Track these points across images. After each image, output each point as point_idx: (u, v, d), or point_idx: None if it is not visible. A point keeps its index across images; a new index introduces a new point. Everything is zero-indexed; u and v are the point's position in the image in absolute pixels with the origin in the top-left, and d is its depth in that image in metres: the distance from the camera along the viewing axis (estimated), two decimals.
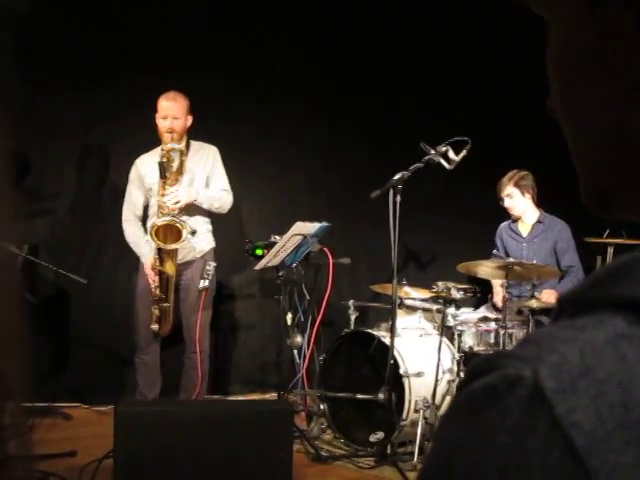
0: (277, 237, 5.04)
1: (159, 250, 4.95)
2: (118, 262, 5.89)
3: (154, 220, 4.93)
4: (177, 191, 4.93)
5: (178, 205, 4.92)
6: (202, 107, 5.76)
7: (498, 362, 0.46)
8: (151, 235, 4.88)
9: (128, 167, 5.25)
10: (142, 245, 5.06)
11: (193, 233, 4.91)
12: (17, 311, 0.47)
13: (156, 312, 5.07)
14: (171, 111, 5.02)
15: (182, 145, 4.99)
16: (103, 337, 5.96)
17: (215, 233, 5.42)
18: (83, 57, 5.78)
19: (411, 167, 4.73)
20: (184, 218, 5.00)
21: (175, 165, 4.99)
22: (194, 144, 5.21)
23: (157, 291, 5.03)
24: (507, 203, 5.74)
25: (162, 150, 4.96)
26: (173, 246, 4.89)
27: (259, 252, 5.09)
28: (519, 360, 0.45)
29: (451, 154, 4.78)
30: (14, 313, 0.47)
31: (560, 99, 0.61)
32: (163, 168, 4.92)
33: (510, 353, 0.47)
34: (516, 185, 5.67)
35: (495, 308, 5.49)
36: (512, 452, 0.42)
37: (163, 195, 4.92)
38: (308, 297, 5.53)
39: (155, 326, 5.10)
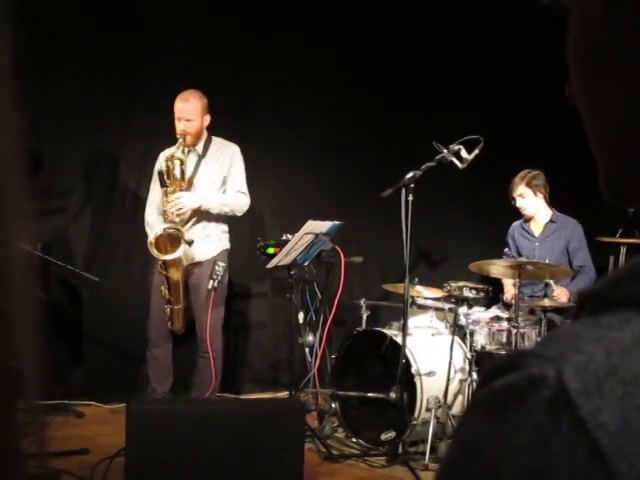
0: (289, 236, 5.03)
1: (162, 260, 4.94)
2: (130, 260, 5.90)
3: (154, 231, 4.91)
4: (180, 198, 4.92)
5: (181, 212, 4.91)
6: (215, 106, 5.77)
7: (521, 361, 0.45)
8: (150, 248, 4.85)
9: (140, 166, 5.27)
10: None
11: (190, 243, 4.90)
12: (33, 310, 0.47)
13: (168, 312, 5.09)
14: (183, 113, 4.99)
15: (182, 154, 4.94)
16: (115, 335, 5.97)
17: (229, 232, 5.42)
18: (97, 56, 5.78)
19: (423, 166, 4.73)
20: (200, 225, 5.03)
21: (177, 173, 4.97)
22: (215, 141, 5.18)
23: (167, 294, 5.04)
24: (519, 203, 5.72)
25: (163, 157, 4.95)
26: (170, 257, 4.87)
27: (271, 251, 5.08)
28: (542, 359, 0.44)
29: (463, 153, 4.78)
30: (30, 312, 0.47)
31: (580, 86, 0.60)
32: (162, 177, 4.91)
33: (533, 352, 0.46)
34: (528, 185, 5.65)
35: (507, 307, 5.47)
36: (535, 454, 0.41)
37: (167, 202, 4.91)
38: (320, 296, 5.53)
39: (169, 324, 5.12)
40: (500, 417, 0.44)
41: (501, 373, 0.45)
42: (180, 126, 4.97)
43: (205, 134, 5.14)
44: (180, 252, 4.86)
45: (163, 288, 5.03)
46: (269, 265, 5.02)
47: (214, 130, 5.35)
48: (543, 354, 0.45)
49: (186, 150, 4.97)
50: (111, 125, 5.92)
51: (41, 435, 0.47)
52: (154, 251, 4.84)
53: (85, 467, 4.06)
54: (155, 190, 5.19)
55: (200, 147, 5.12)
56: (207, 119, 5.10)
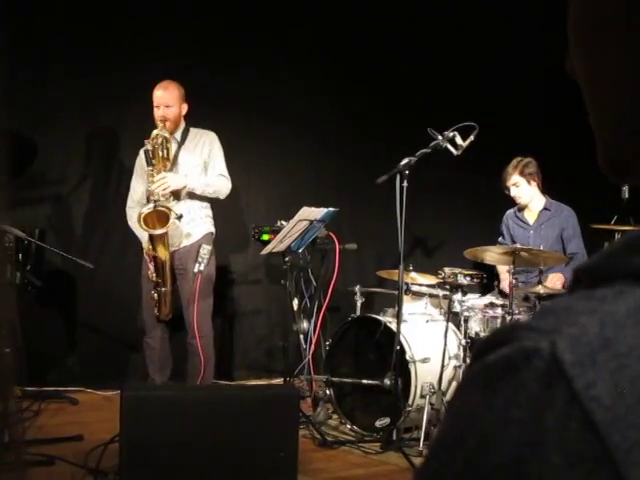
0: (283, 222, 5.03)
1: (150, 236, 4.96)
2: (125, 247, 5.88)
3: (141, 209, 4.94)
4: (165, 178, 4.94)
5: (166, 191, 4.94)
6: (208, 93, 5.78)
7: (514, 334, 0.45)
8: (139, 223, 4.89)
9: (134, 152, 5.26)
10: (142, 230, 5.07)
11: (179, 218, 4.92)
12: (7, 297, 0.46)
13: (155, 296, 5.09)
14: (162, 100, 5.07)
15: (165, 132, 5.00)
16: (109, 322, 5.97)
17: (222, 218, 5.43)
18: (90, 41, 5.77)
19: (418, 152, 4.72)
20: (181, 203, 5.04)
21: (162, 153, 5.01)
22: (192, 131, 5.23)
23: (154, 276, 5.04)
24: (513, 192, 5.71)
25: (148, 138, 4.98)
26: (159, 231, 4.90)
27: (265, 237, 5.09)
28: (536, 332, 0.44)
29: (458, 139, 4.77)
30: (7, 297, 0.46)
31: (580, 57, 0.59)
32: (149, 156, 4.96)
33: (526, 324, 0.45)
34: (521, 174, 5.64)
35: (501, 294, 5.48)
36: (528, 427, 0.41)
37: (152, 182, 4.94)
38: (314, 282, 5.52)
39: (155, 310, 5.12)
40: (493, 390, 0.43)
41: (494, 347, 0.45)
42: (159, 112, 5.05)
43: (183, 123, 5.22)
44: (170, 226, 4.87)
45: (150, 272, 5.04)
46: (263, 251, 5.02)
47: (207, 117, 5.35)
48: (536, 327, 0.44)
49: (160, 132, 5.00)
50: (105, 111, 5.91)
51: (15, 424, 0.46)
52: (144, 226, 4.86)
53: (79, 453, 4.07)
54: (137, 185, 5.25)
55: (178, 135, 5.18)
56: (185, 107, 5.18)
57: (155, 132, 4.98)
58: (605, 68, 0.57)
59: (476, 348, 0.47)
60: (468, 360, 4.84)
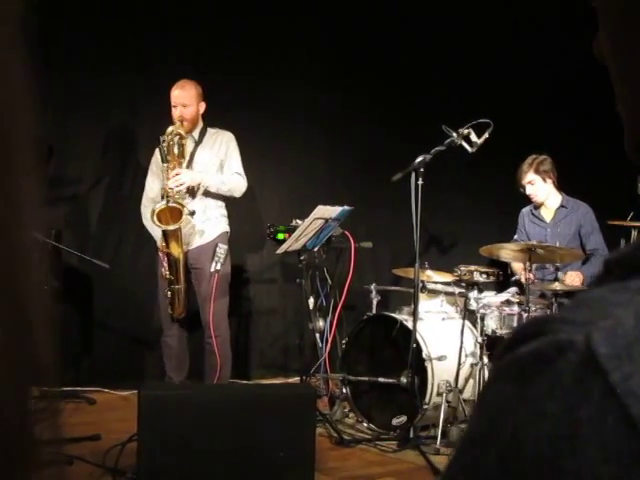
0: (298, 221, 5.03)
1: (164, 233, 4.97)
2: (141, 247, 5.90)
3: (154, 206, 4.96)
4: (180, 174, 4.95)
5: (181, 188, 4.94)
6: (225, 91, 5.78)
7: (547, 326, 0.44)
8: (152, 219, 4.90)
9: (150, 151, 5.27)
10: (156, 228, 5.07)
11: (192, 214, 4.93)
12: (46, 297, 0.47)
13: (168, 294, 5.10)
14: (180, 99, 5.07)
15: (181, 129, 5.01)
16: (126, 322, 5.99)
17: (237, 217, 5.43)
18: (105, 40, 5.78)
19: (433, 150, 4.71)
20: (196, 202, 5.05)
21: (177, 149, 5.03)
22: (210, 130, 5.23)
23: (167, 274, 5.05)
24: (529, 190, 5.67)
25: (163, 135, 4.99)
26: (171, 227, 4.91)
27: (281, 236, 5.09)
28: (570, 324, 0.43)
29: (473, 137, 4.76)
30: (44, 299, 0.46)
31: (609, 40, 0.58)
32: (164, 152, 4.97)
33: (560, 317, 0.44)
34: (536, 172, 5.60)
35: (519, 286, 5.45)
36: (563, 421, 0.40)
37: (167, 179, 4.95)
38: (330, 281, 5.52)
39: (169, 309, 5.13)
40: (526, 384, 0.43)
41: (526, 339, 0.44)
42: (177, 112, 5.05)
43: (201, 123, 5.22)
44: (182, 222, 4.88)
45: (164, 269, 5.04)
46: (279, 250, 5.02)
47: (221, 116, 5.36)
48: (570, 319, 0.44)
49: (176, 129, 5.02)
50: (121, 111, 5.93)
51: (55, 421, 0.47)
52: (157, 222, 4.87)
53: (97, 453, 4.08)
54: (153, 183, 5.25)
55: (196, 134, 5.19)
56: (202, 106, 5.18)
57: (170, 129, 4.99)
58: (635, 51, 0.56)
59: (507, 340, 0.46)
60: (485, 358, 4.83)
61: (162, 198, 5.01)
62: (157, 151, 5.16)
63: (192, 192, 5.07)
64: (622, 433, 0.39)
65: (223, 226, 5.25)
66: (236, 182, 5.18)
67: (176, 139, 5.02)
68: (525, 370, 0.43)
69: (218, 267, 4.98)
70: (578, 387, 0.41)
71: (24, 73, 0.45)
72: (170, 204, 4.89)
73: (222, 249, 5.02)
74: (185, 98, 5.07)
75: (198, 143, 5.16)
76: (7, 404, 0.43)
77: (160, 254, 5.09)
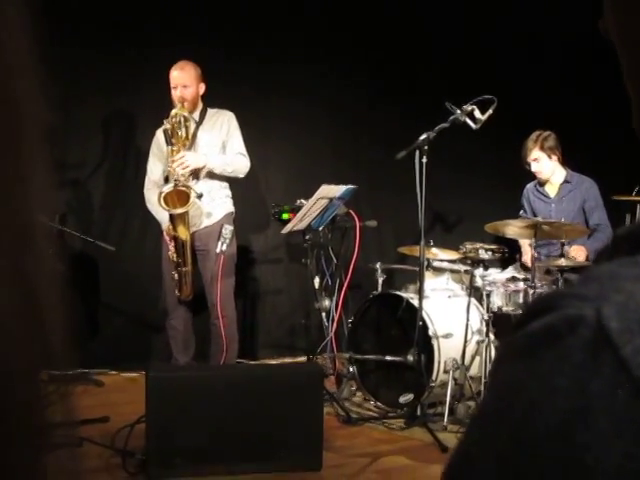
0: (303, 201, 5.02)
1: (171, 216, 4.97)
2: (145, 229, 5.90)
3: (161, 189, 4.95)
4: (185, 157, 4.94)
5: (186, 170, 4.94)
6: (227, 73, 5.76)
7: (558, 301, 0.44)
8: (159, 202, 4.89)
9: (152, 134, 5.26)
10: (161, 212, 5.07)
11: (200, 197, 4.92)
12: (56, 279, 0.47)
13: (176, 277, 5.10)
14: (180, 80, 5.05)
15: (185, 111, 4.99)
16: (132, 304, 6.01)
17: (241, 198, 5.43)
18: (106, 23, 5.76)
19: (437, 127, 4.69)
20: (200, 184, 5.04)
21: (181, 132, 5.01)
22: (210, 111, 5.22)
23: (174, 256, 5.06)
24: (534, 167, 5.66)
25: (167, 118, 4.98)
26: (179, 210, 4.90)
27: (285, 216, 5.08)
28: (581, 299, 0.43)
29: (477, 113, 4.73)
30: (54, 281, 0.47)
31: (614, 20, 0.58)
32: (168, 135, 4.97)
33: (571, 292, 0.44)
34: (541, 148, 5.58)
35: (523, 268, 5.45)
36: (575, 395, 0.41)
37: (172, 162, 4.94)
38: (335, 260, 5.52)
39: (176, 291, 5.14)
40: (537, 359, 0.43)
41: (537, 315, 0.44)
42: (177, 93, 5.04)
43: (201, 104, 5.20)
44: (190, 205, 4.88)
45: (171, 253, 5.04)
46: (284, 230, 5.02)
47: (225, 96, 5.35)
48: (580, 294, 0.44)
49: (180, 111, 5.00)
50: (123, 94, 5.91)
51: (67, 404, 0.47)
52: (164, 206, 4.86)
53: (106, 435, 4.10)
54: (154, 166, 5.24)
55: (196, 115, 5.17)
56: (202, 87, 5.16)
57: (174, 111, 4.97)
58: (638, 32, 0.55)
59: (519, 316, 0.46)
60: (491, 335, 4.84)
61: (165, 181, 5.00)
62: (158, 133, 5.15)
63: (196, 174, 5.07)
64: (634, 405, 0.39)
65: (228, 207, 5.25)
66: (240, 162, 5.17)
67: (180, 121, 5.00)
68: (536, 345, 0.43)
69: (224, 248, 4.98)
70: (589, 361, 0.41)
71: (33, 55, 0.45)
72: (178, 187, 4.88)
73: (228, 230, 5.01)
74: (185, 79, 5.05)
75: (199, 124, 5.15)
76: (19, 387, 0.43)
77: (166, 237, 5.09)
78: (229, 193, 5.28)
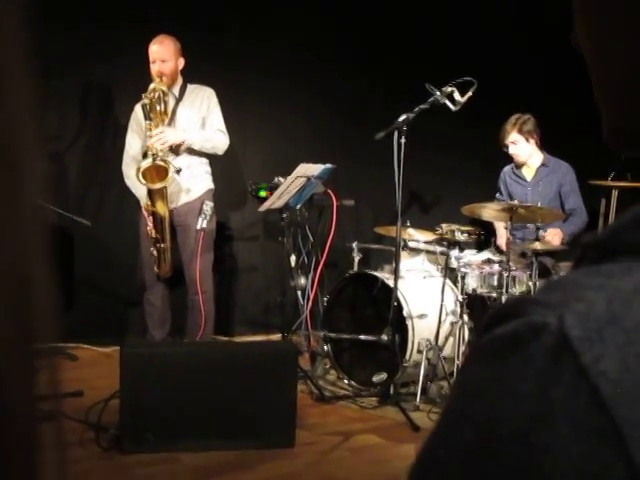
0: (281, 179, 5.02)
1: (149, 191, 4.96)
2: (122, 204, 5.87)
3: (139, 163, 4.93)
4: (163, 132, 4.92)
5: (164, 146, 4.92)
6: (204, 49, 5.72)
7: (522, 308, 0.45)
8: (137, 177, 4.88)
9: (130, 107, 5.23)
10: (139, 187, 5.05)
11: (178, 172, 4.91)
12: (48, 258, 0.48)
13: (154, 253, 5.10)
14: (158, 54, 5.02)
15: (163, 85, 4.97)
16: (108, 278, 5.99)
17: (219, 175, 5.41)
18: None
19: (416, 108, 4.69)
20: (180, 159, 5.03)
21: (160, 107, 4.99)
22: (190, 87, 5.19)
23: (153, 232, 5.05)
24: (512, 150, 5.69)
25: (145, 92, 4.95)
26: (158, 185, 4.89)
27: (263, 194, 5.08)
28: (544, 307, 0.44)
29: (456, 95, 4.74)
30: (45, 258, 0.47)
31: (586, 35, 0.59)
32: (146, 110, 4.94)
33: (534, 299, 0.46)
34: (520, 132, 5.60)
35: (498, 251, 5.49)
36: (536, 401, 0.42)
37: (150, 137, 4.92)
38: (312, 239, 5.54)
39: (155, 267, 5.14)
40: (501, 364, 0.44)
41: (502, 320, 0.46)
42: (155, 67, 5.02)
43: (180, 79, 5.18)
44: (169, 180, 4.87)
45: (149, 228, 5.03)
46: (261, 208, 5.02)
47: (203, 73, 5.32)
48: (544, 301, 0.45)
49: (158, 86, 4.98)
50: (101, 67, 5.85)
51: (53, 376, 0.48)
52: (143, 180, 4.85)
53: (80, 409, 4.10)
54: (133, 140, 5.22)
55: (176, 91, 5.15)
56: (181, 62, 5.14)
57: (152, 85, 4.94)
58: (610, 37, 0.57)
59: (484, 321, 0.48)
60: (465, 316, 4.88)
61: (144, 156, 4.98)
62: (137, 108, 5.12)
63: (175, 150, 5.05)
64: (593, 413, 0.41)
65: (208, 183, 5.24)
66: (219, 139, 5.16)
67: (159, 96, 4.98)
68: (501, 350, 0.45)
69: (204, 224, 4.99)
70: (551, 368, 0.42)
71: (21, 33, 0.45)
72: (156, 162, 4.86)
73: (208, 206, 5.02)
74: (164, 53, 5.02)
75: (179, 100, 5.13)
76: (7, 361, 0.44)
77: (144, 212, 5.07)
78: (209, 169, 5.27)
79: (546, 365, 0.42)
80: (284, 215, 5.09)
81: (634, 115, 0.57)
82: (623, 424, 0.40)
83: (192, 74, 5.22)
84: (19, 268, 0.44)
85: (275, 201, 4.94)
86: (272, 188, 5.02)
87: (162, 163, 4.87)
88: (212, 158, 5.25)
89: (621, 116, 0.58)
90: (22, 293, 0.45)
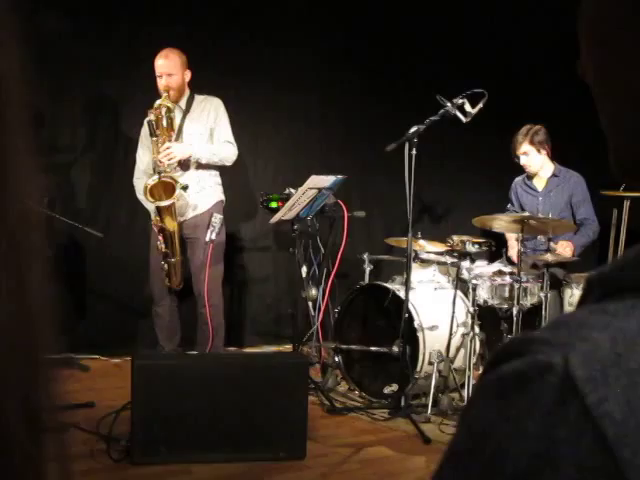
0: (292, 190, 5.03)
1: (157, 208, 4.96)
2: (132, 215, 5.89)
3: (146, 181, 4.93)
4: (170, 148, 4.93)
5: (172, 161, 4.93)
6: (217, 60, 5.74)
7: (528, 346, 0.46)
8: (145, 195, 4.89)
9: (140, 121, 5.25)
10: (150, 203, 5.06)
11: (185, 188, 4.92)
12: (44, 265, 0.48)
13: (165, 267, 5.11)
14: (164, 69, 5.03)
15: (168, 101, 4.97)
16: (119, 289, 6.00)
17: (229, 186, 5.43)
18: (97, 8, 5.73)
19: (427, 120, 4.70)
20: (190, 172, 5.05)
21: (165, 122, 5.00)
22: (197, 98, 5.20)
23: (163, 247, 5.06)
24: (523, 161, 5.67)
25: (151, 109, 4.96)
26: (165, 203, 4.90)
27: (274, 205, 5.09)
28: (549, 346, 0.45)
29: (467, 107, 4.74)
30: (42, 267, 0.48)
31: (592, 66, 0.59)
32: (152, 127, 4.94)
33: (540, 337, 0.46)
34: (531, 142, 5.59)
35: (510, 262, 5.48)
36: (542, 441, 0.42)
37: (158, 153, 4.92)
38: (323, 250, 5.54)
39: (166, 280, 5.15)
40: (508, 402, 0.44)
41: (508, 358, 0.46)
42: (162, 82, 5.02)
43: (187, 91, 5.18)
44: (176, 197, 4.88)
45: (159, 243, 5.05)
46: (272, 220, 5.02)
47: (215, 84, 5.34)
48: (550, 341, 0.45)
49: (163, 102, 4.99)
50: (112, 80, 5.88)
51: (52, 388, 0.48)
52: (150, 198, 4.86)
53: (91, 420, 4.11)
54: (143, 155, 5.23)
55: (183, 103, 5.15)
56: (188, 74, 5.14)
57: (158, 102, 4.95)
58: (619, 68, 0.57)
59: (490, 357, 0.48)
60: (476, 328, 4.87)
61: (153, 171, 4.99)
62: (144, 124, 5.13)
63: (184, 164, 5.06)
64: (597, 454, 0.41)
65: (218, 195, 5.25)
66: (227, 151, 5.16)
67: (164, 112, 4.98)
68: (507, 389, 0.45)
69: (213, 237, 4.99)
70: (557, 408, 0.42)
71: (16, 42, 0.46)
72: (163, 179, 4.88)
73: (217, 218, 5.02)
74: (170, 67, 5.03)
75: (186, 113, 5.13)
76: (8, 374, 0.44)
77: (154, 228, 5.08)
78: (219, 180, 5.28)
79: (551, 405, 0.43)
80: (295, 226, 5.09)
81: None
82: (626, 466, 0.40)
83: (203, 85, 5.24)
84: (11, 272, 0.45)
85: (286, 212, 4.94)
86: (283, 199, 5.02)
87: (169, 179, 4.88)
88: (223, 169, 5.26)
89: (631, 146, 0.58)
90: (19, 297, 0.45)
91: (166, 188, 4.89)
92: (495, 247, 5.26)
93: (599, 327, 0.45)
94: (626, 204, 6.57)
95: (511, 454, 0.43)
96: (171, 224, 5.01)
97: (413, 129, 4.65)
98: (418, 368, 4.78)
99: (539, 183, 5.81)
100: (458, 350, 4.95)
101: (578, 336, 0.45)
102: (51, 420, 0.49)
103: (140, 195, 5.15)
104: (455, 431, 0.48)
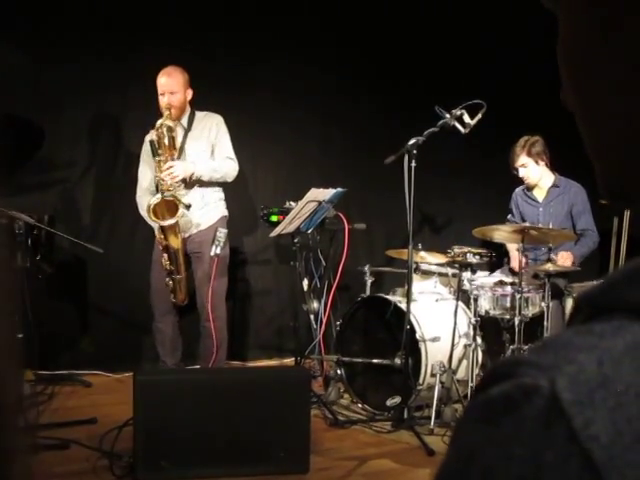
0: (292, 203, 5.04)
1: (161, 227, 4.97)
2: (134, 231, 5.90)
3: (149, 200, 4.94)
4: (173, 167, 4.94)
5: (175, 180, 4.93)
6: (216, 75, 5.75)
7: (515, 369, 0.46)
8: (148, 214, 4.89)
9: (142, 136, 5.26)
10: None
11: (188, 207, 4.92)
12: (16, 283, 0.48)
13: (170, 284, 5.11)
14: (167, 87, 5.04)
15: (169, 121, 4.97)
16: (121, 305, 6.00)
17: (230, 200, 5.43)
18: (98, 25, 5.76)
19: (426, 132, 4.70)
20: (194, 190, 5.08)
21: (167, 141, 5.00)
22: (198, 115, 5.21)
23: (167, 265, 5.06)
24: (522, 173, 5.67)
25: (153, 128, 4.97)
26: (168, 222, 4.90)
27: (274, 218, 5.10)
28: (536, 368, 0.45)
29: (466, 118, 4.75)
30: (13, 285, 0.47)
31: (572, 92, 0.60)
32: (154, 146, 4.95)
33: (527, 360, 0.46)
34: (529, 154, 5.59)
35: (511, 272, 5.48)
36: (529, 464, 0.42)
37: (161, 172, 4.93)
38: (324, 263, 5.54)
39: (171, 296, 5.15)
40: (495, 425, 0.44)
41: (496, 381, 0.46)
42: (164, 100, 5.03)
43: (189, 108, 5.20)
44: (179, 216, 4.89)
45: (164, 260, 5.05)
46: (273, 233, 5.02)
47: (214, 99, 5.35)
48: (537, 363, 0.45)
49: (165, 122, 5.00)
50: (113, 96, 5.90)
51: (28, 408, 0.48)
52: (153, 217, 4.87)
53: (93, 436, 4.11)
54: (145, 172, 5.24)
55: (185, 121, 5.17)
56: (189, 93, 5.16)
57: (159, 122, 4.95)
58: (597, 91, 0.57)
59: (480, 380, 0.48)
60: (478, 339, 4.87)
61: (156, 190, 4.99)
62: (147, 139, 5.14)
63: (186, 183, 5.07)
64: (584, 477, 0.41)
65: (222, 210, 5.26)
66: (228, 167, 5.17)
67: (165, 131, 4.99)
68: (494, 412, 0.45)
69: (218, 251, 5.00)
70: (543, 431, 0.42)
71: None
72: (165, 197, 4.88)
73: (222, 233, 5.03)
74: (172, 85, 5.04)
75: (188, 131, 5.14)
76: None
77: (158, 245, 5.09)
78: (222, 196, 5.29)
79: (538, 429, 0.43)
80: (296, 239, 5.09)
81: (633, 178, 0.57)
82: None
83: (203, 100, 5.25)
84: None
85: (286, 226, 4.95)
86: (283, 212, 5.03)
87: (171, 198, 4.89)
88: (224, 184, 5.27)
89: (619, 178, 0.59)
90: None
91: (169, 207, 4.90)
92: (496, 257, 5.26)
93: (586, 348, 0.45)
94: (627, 213, 6.57)
95: (498, 478, 0.43)
96: (175, 242, 5.01)
97: (412, 141, 4.66)
98: (420, 380, 4.78)
99: (539, 193, 5.81)
100: (460, 361, 4.95)
101: (564, 358, 0.45)
102: (17, 462, 0.49)
103: (143, 212, 5.15)
104: (446, 452, 0.48)
